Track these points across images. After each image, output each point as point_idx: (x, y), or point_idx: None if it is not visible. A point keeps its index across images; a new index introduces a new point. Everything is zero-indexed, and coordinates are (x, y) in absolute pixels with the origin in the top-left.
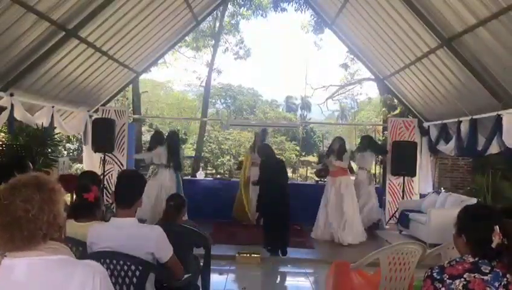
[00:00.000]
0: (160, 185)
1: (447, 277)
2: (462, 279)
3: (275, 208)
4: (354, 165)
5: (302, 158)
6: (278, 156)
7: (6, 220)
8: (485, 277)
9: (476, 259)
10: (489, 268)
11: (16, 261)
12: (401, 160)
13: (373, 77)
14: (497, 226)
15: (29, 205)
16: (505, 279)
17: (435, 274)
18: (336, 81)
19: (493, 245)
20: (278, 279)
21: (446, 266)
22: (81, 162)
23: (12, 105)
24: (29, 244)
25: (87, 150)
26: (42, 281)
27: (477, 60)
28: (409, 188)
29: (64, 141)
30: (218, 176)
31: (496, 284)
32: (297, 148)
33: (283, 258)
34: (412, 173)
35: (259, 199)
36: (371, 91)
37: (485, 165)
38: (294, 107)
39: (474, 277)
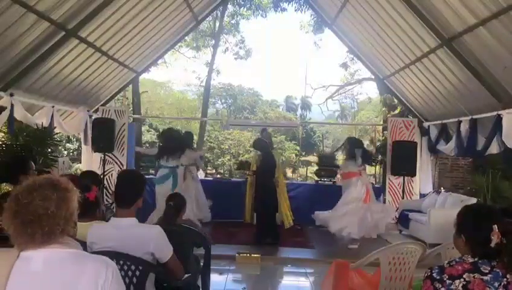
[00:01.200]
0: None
1: (447, 277)
2: (462, 279)
3: (269, 204)
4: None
5: (302, 158)
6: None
7: (28, 218)
8: (485, 277)
9: (476, 259)
10: (489, 268)
11: (33, 253)
12: (401, 160)
13: (373, 77)
14: (496, 226)
15: (48, 203)
16: (505, 279)
17: (434, 274)
18: (336, 81)
19: (492, 245)
20: (278, 279)
21: (446, 266)
22: (81, 162)
23: (12, 105)
24: (48, 240)
25: (85, 150)
26: (57, 272)
27: (477, 60)
28: (409, 188)
29: (64, 141)
30: (218, 176)
31: (496, 284)
32: (297, 148)
33: (283, 258)
34: (412, 173)
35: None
36: (370, 91)
37: (485, 165)
38: (294, 107)
39: (473, 277)
